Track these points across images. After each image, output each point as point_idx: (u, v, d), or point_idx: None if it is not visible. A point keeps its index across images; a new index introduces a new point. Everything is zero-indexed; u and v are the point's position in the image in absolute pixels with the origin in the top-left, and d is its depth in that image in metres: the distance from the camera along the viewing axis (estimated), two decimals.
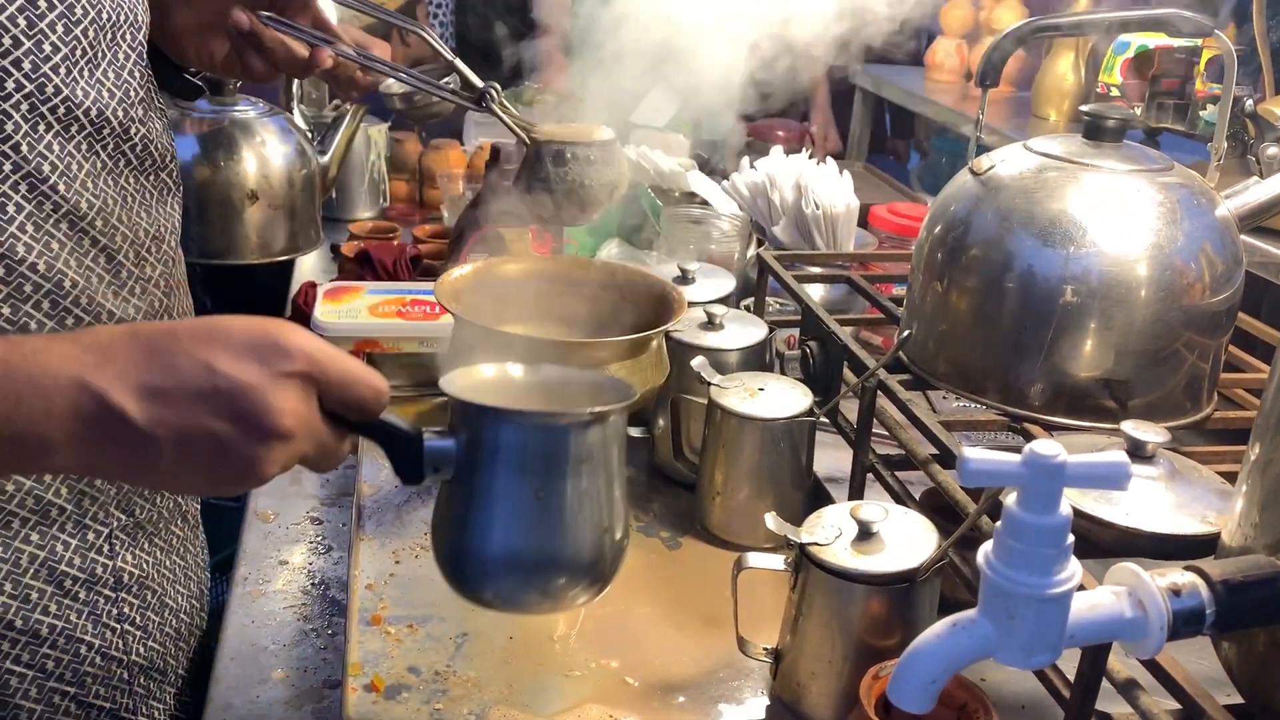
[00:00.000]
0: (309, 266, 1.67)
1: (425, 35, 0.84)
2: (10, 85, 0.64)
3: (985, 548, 0.46)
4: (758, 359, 1.10)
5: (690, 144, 2.06)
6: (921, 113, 2.14)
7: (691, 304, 1.13)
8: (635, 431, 1.17)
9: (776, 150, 1.50)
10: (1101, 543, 0.69)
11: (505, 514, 0.64)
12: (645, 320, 0.93)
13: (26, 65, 0.65)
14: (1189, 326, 0.88)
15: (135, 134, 0.75)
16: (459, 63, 0.86)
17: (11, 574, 0.69)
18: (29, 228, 0.67)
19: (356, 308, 1.25)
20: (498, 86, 0.88)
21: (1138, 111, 1.53)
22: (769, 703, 0.81)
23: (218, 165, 1.38)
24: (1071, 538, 0.45)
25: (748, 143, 2.09)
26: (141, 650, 0.78)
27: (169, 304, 0.80)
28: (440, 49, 0.85)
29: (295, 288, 1.51)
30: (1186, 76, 1.47)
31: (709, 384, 1.01)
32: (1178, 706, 0.61)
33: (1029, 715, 0.83)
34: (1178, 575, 0.49)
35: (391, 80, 1.62)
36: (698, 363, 1.03)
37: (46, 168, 0.67)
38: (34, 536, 0.70)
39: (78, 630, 0.73)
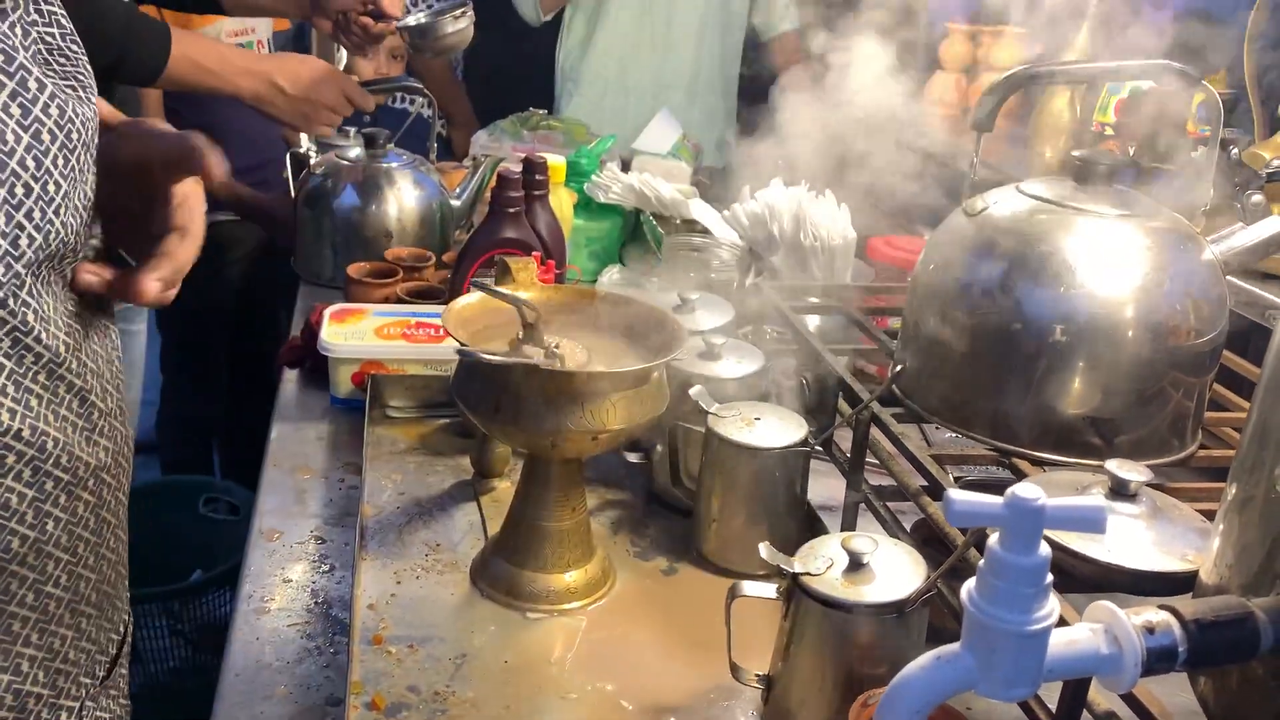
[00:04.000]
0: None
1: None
2: None
3: (968, 585, 0.49)
4: (755, 388, 1.13)
5: (692, 171, 2.10)
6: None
7: (691, 333, 1.15)
8: (633, 457, 1.19)
9: (776, 181, 1.53)
10: (1083, 577, 0.72)
11: None
12: (646, 349, 0.95)
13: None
14: (1174, 366, 0.90)
15: (82, 251, 0.67)
16: (523, 305, 0.91)
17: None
18: (10, 389, 0.61)
19: (362, 330, 1.28)
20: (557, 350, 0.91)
21: (1131, 151, 1.56)
22: None
23: (366, 208, 1.66)
24: (1050, 576, 0.47)
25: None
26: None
27: (126, 434, 0.75)
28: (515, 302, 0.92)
29: (298, 306, 1.54)
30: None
31: (707, 412, 1.03)
32: None
33: None
34: (1152, 614, 0.51)
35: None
36: (696, 391, 1.05)
37: (30, 316, 0.61)
38: None
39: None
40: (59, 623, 0.68)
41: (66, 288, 0.66)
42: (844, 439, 1.04)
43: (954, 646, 0.49)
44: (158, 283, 0.67)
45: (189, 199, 0.71)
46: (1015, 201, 0.94)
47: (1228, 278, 0.97)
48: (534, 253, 1.25)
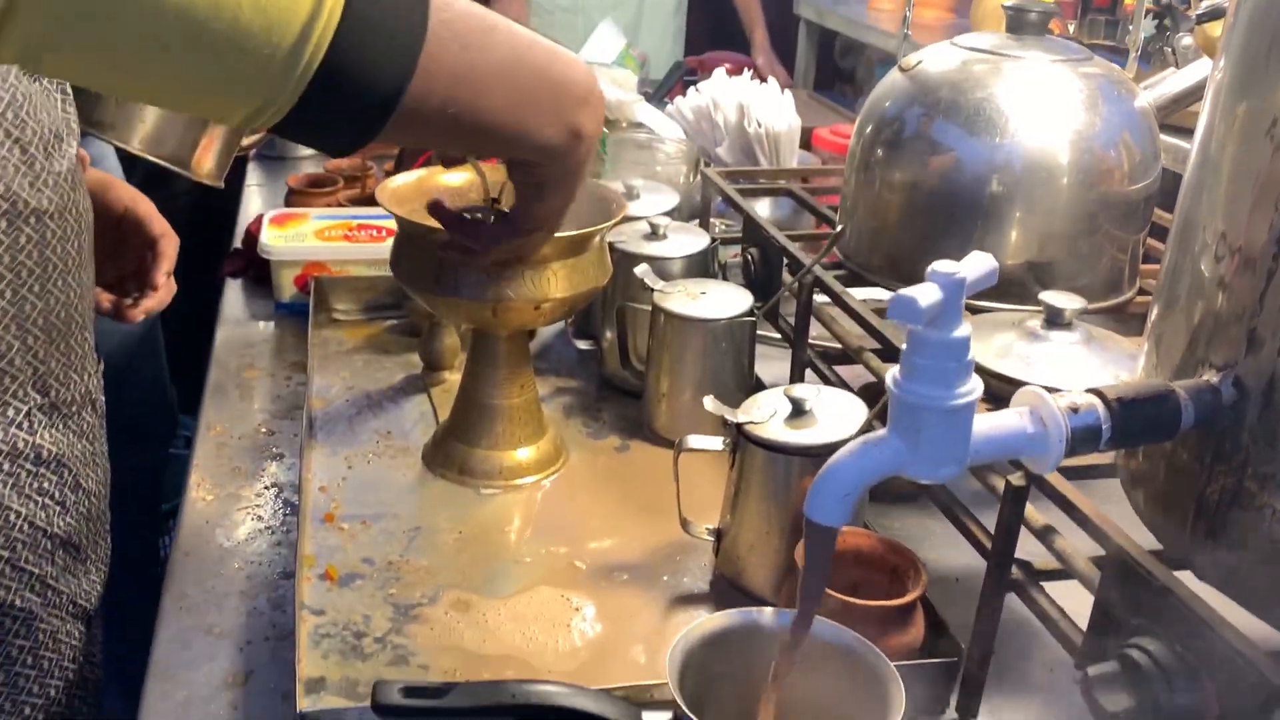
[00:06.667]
0: (257, 206, 1.67)
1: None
2: None
3: (892, 372, 0.49)
4: (701, 268, 1.12)
5: (638, 80, 2.07)
6: (863, 40, 2.16)
7: (636, 218, 1.15)
8: (583, 344, 1.19)
9: (719, 73, 1.51)
10: None
11: None
12: (589, 221, 0.94)
13: None
14: (1109, 212, 0.91)
15: None
16: (481, 169, 0.88)
17: None
18: None
19: (303, 232, 1.26)
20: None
21: (1071, 29, 1.56)
22: (712, 578, 0.84)
23: None
24: (972, 354, 0.48)
25: (692, 77, 2.10)
26: (60, 524, 0.83)
27: (75, 198, 0.83)
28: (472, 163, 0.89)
29: (242, 222, 1.51)
30: None
31: (652, 290, 1.03)
32: (1098, 553, 0.64)
33: (962, 587, 0.86)
34: (1077, 396, 0.52)
35: None
36: (641, 269, 1.05)
37: None
38: None
39: (4, 499, 0.78)
40: (2, 315, 0.76)
41: None
42: (791, 314, 1.04)
43: (881, 431, 0.49)
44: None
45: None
46: (949, 55, 0.94)
47: (1163, 136, 0.98)
48: None
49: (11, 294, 0.76)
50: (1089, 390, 0.52)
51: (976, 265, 0.46)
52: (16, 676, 0.80)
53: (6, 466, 0.78)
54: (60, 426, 0.83)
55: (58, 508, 0.82)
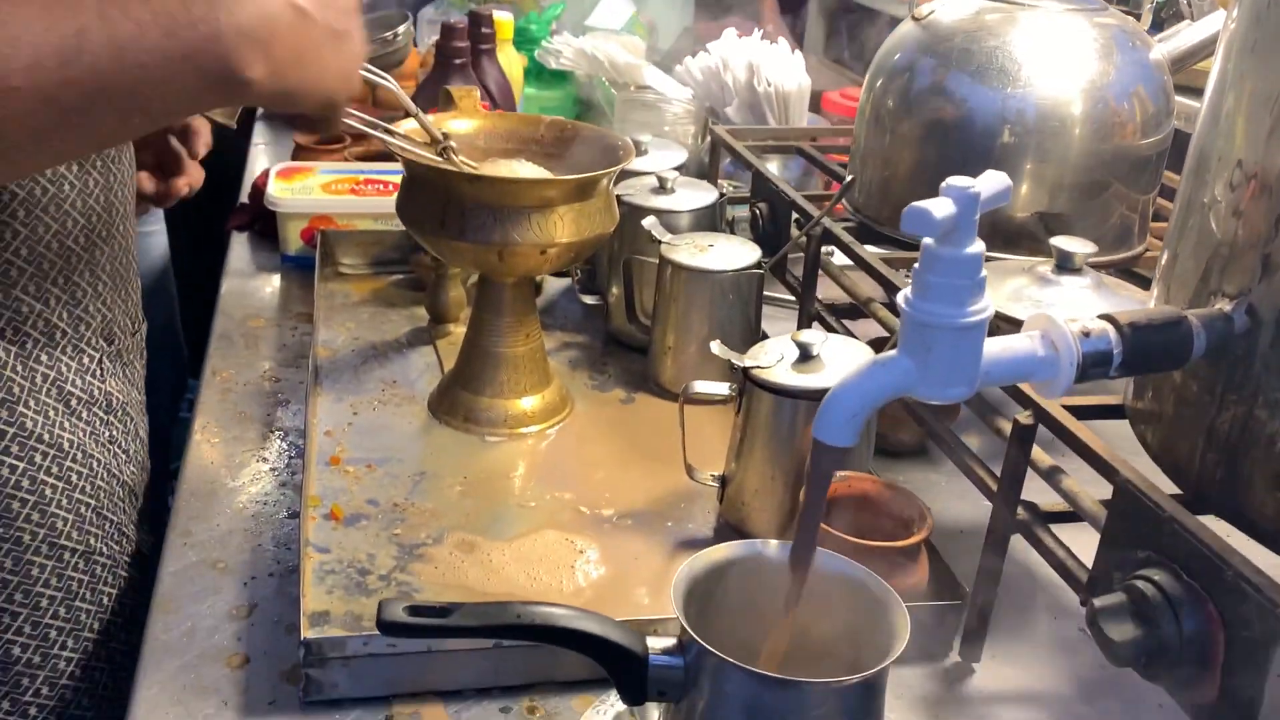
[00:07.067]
0: (263, 165, 1.66)
1: (392, 87, 0.87)
2: None
3: (904, 291, 0.49)
4: (708, 222, 1.12)
5: (646, 47, 2.06)
6: (874, 8, 2.15)
7: (644, 173, 1.14)
8: (589, 299, 1.19)
9: (729, 33, 1.50)
10: None
11: None
12: (595, 167, 0.94)
13: None
14: (1121, 165, 0.90)
15: None
16: (423, 116, 0.90)
17: (32, 392, 0.75)
18: None
19: (309, 185, 1.25)
20: (454, 145, 0.91)
21: None
22: (716, 524, 0.83)
23: None
24: (985, 273, 0.47)
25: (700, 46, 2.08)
26: (127, 473, 0.83)
27: (127, 144, 0.83)
28: (405, 102, 0.89)
29: (248, 180, 1.50)
30: None
31: (659, 242, 1.02)
32: (1104, 496, 0.64)
33: (966, 538, 0.86)
34: (1090, 321, 0.51)
35: None
36: (648, 222, 1.04)
37: None
38: (44, 358, 0.76)
39: (87, 446, 0.79)
40: (78, 262, 0.77)
41: None
42: (799, 271, 1.04)
43: (891, 352, 0.49)
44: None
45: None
46: (962, 3, 0.93)
47: (1178, 98, 0.97)
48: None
49: (84, 239, 0.77)
50: (1101, 316, 0.52)
51: (990, 182, 0.46)
52: (109, 624, 0.81)
53: (85, 414, 0.79)
54: (121, 375, 0.84)
55: (124, 455, 0.83)
